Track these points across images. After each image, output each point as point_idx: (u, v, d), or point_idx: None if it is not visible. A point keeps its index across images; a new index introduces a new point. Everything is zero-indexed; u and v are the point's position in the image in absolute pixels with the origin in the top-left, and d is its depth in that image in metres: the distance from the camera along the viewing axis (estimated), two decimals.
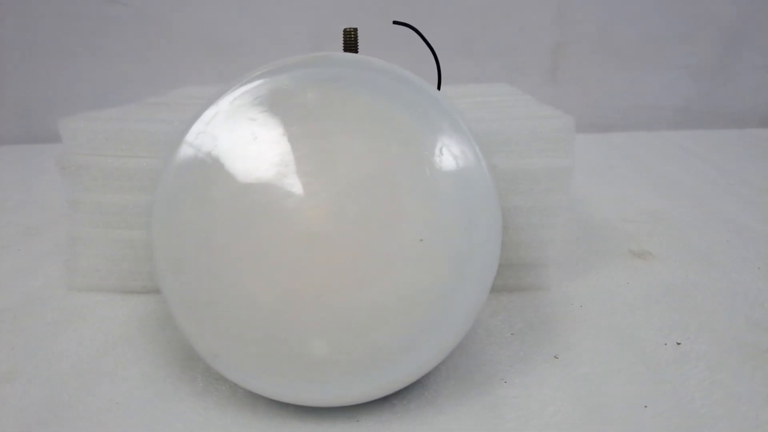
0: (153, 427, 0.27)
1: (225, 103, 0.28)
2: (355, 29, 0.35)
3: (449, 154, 0.26)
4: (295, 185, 0.26)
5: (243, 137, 0.27)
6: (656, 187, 0.64)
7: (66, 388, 0.30)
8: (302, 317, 0.25)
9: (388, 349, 0.25)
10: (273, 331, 0.25)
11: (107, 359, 0.33)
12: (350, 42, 0.35)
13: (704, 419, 0.27)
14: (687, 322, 0.35)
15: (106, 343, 0.34)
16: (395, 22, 0.36)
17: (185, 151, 0.27)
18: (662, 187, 0.63)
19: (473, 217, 0.26)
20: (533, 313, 0.37)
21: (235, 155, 0.27)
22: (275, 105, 0.27)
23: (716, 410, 0.27)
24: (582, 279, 0.42)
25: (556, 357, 0.32)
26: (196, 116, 0.28)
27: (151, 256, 0.27)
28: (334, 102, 0.27)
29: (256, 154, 0.27)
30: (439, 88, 0.35)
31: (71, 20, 0.90)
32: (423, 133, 0.27)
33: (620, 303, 0.38)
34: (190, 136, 0.27)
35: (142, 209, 0.39)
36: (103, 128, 0.38)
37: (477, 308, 0.26)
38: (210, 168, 0.27)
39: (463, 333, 0.26)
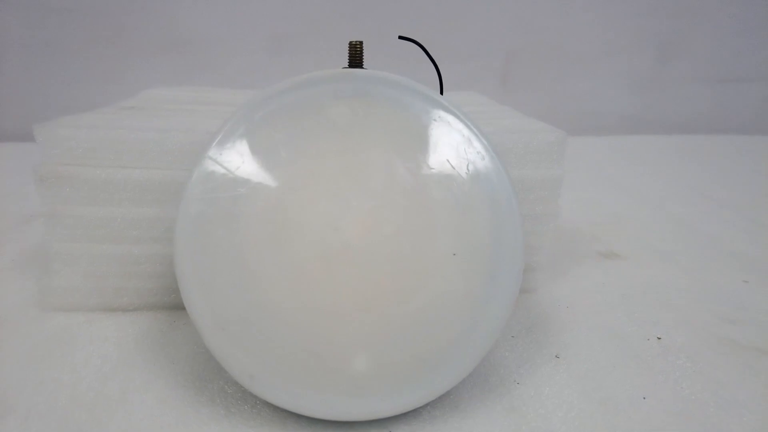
0: None
1: (250, 118, 0.27)
2: (361, 42, 0.35)
3: (476, 169, 0.28)
4: (329, 201, 0.26)
5: (272, 152, 0.27)
6: (612, 190, 0.69)
7: (73, 420, 0.28)
8: (340, 333, 0.26)
9: (426, 361, 0.26)
10: (311, 348, 0.25)
11: (111, 385, 0.31)
12: (355, 55, 0.35)
13: (694, 404, 0.30)
14: (662, 317, 0.39)
15: (105, 368, 0.32)
16: (401, 38, 0.36)
17: (210, 166, 0.26)
18: (617, 190, 0.69)
19: (500, 230, 0.27)
20: (527, 315, 0.39)
21: (266, 171, 0.26)
22: (304, 120, 0.27)
23: (702, 396, 0.31)
24: (562, 280, 0.45)
25: (557, 356, 0.35)
26: (220, 130, 0.27)
27: (175, 275, 0.26)
28: (363, 117, 0.28)
29: (287, 170, 0.26)
30: None
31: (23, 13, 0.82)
32: (451, 147, 0.28)
33: (600, 302, 0.42)
34: (215, 151, 0.27)
35: (131, 223, 0.37)
36: (87, 136, 0.35)
37: (506, 317, 0.28)
38: (240, 184, 0.26)
39: (493, 341, 0.28)
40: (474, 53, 0.92)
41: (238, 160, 0.26)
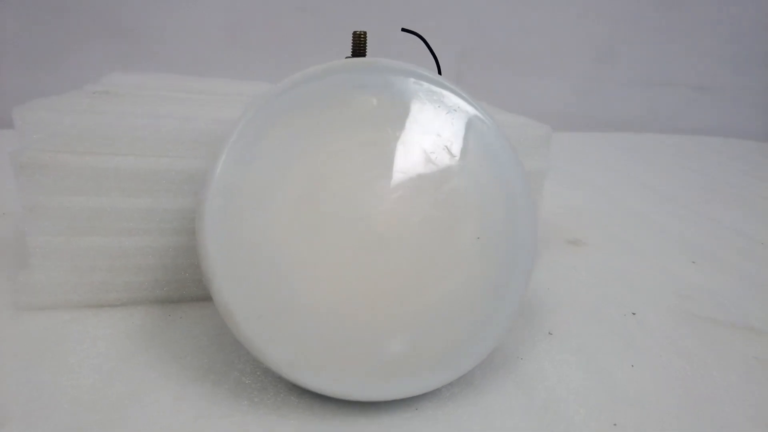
0: None
1: (273, 108, 0.27)
2: (365, 32, 0.36)
3: (494, 156, 0.29)
4: (357, 190, 0.27)
5: (299, 143, 0.27)
6: (565, 183, 0.74)
7: (85, 425, 0.26)
8: (375, 318, 0.26)
9: (453, 342, 0.28)
10: (345, 333, 0.26)
11: (117, 385, 0.29)
12: (359, 44, 0.36)
13: (672, 369, 0.34)
14: (631, 296, 0.43)
15: (106, 367, 0.31)
16: (404, 30, 0.37)
17: (236, 157, 0.26)
18: (570, 184, 0.74)
19: (516, 215, 0.29)
20: None
21: (297, 161, 0.26)
22: (330, 110, 0.27)
23: (677, 362, 0.35)
24: (539, 265, 0.48)
25: (550, 333, 0.37)
26: (241, 119, 0.27)
27: (201, 268, 0.26)
28: (387, 108, 0.28)
29: (315, 160, 0.26)
30: None
31: None
32: (471, 136, 0.29)
33: (576, 285, 0.45)
34: (240, 141, 0.26)
35: (121, 214, 0.35)
36: (74, 121, 0.33)
37: (522, 297, 0.29)
38: (269, 174, 0.26)
39: (513, 319, 0.29)
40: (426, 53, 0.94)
41: (266, 150, 0.26)
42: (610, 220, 0.61)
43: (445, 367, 0.28)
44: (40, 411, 0.27)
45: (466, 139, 0.29)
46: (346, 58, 0.34)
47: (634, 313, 0.40)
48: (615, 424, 0.29)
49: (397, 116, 0.28)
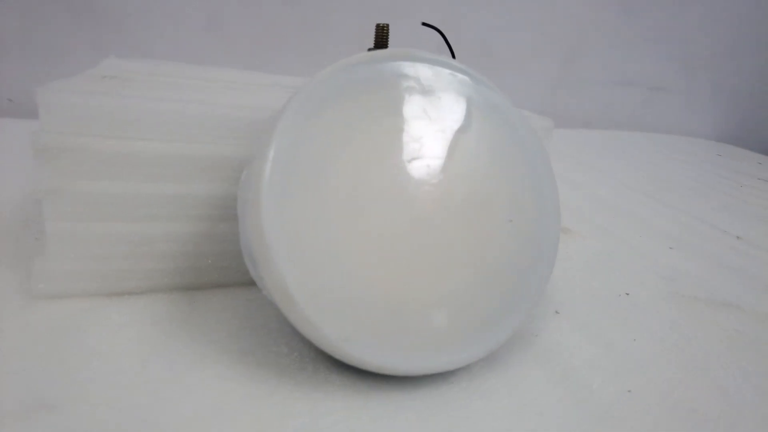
0: (267, 426, 0.26)
1: (319, 95, 0.28)
2: (387, 25, 0.37)
3: (522, 141, 0.31)
4: (404, 173, 0.28)
5: (348, 127, 0.28)
6: None
7: (132, 407, 0.26)
8: (421, 294, 0.28)
9: (489, 316, 0.29)
10: (393, 308, 0.27)
11: (156, 369, 0.29)
12: (382, 37, 0.37)
13: (668, 342, 0.37)
14: (621, 278, 0.47)
15: (138, 353, 0.30)
16: (424, 24, 0.38)
17: (291, 140, 0.27)
18: None
19: (544, 199, 0.31)
20: None
21: (346, 145, 0.27)
22: (375, 96, 0.29)
23: (672, 336, 0.38)
24: None
25: (557, 312, 0.40)
26: (290, 104, 0.28)
27: (249, 250, 0.26)
28: (431, 96, 0.30)
29: (366, 144, 0.28)
30: None
31: None
32: (502, 122, 0.31)
33: (570, 268, 0.48)
34: (293, 125, 0.27)
35: (144, 199, 0.34)
36: (97, 103, 0.32)
37: (549, 275, 0.32)
38: (323, 157, 0.27)
39: (539, 297, 0.32)
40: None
41: (317, 134, 0.27)
42: (588, 210, 0.65)
43: (480, 340, 0.29)
44: (81, 396, 0.27)
45: (496, 125, 0.31)
46: (369, 50, 0.35)
47: (627, 294, 0.44)
48: (629, 391, 0.31)
49: (433, 103, 0.30)
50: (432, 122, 0.29)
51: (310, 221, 0.26)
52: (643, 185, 0.80)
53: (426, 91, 0.30)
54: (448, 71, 0.31)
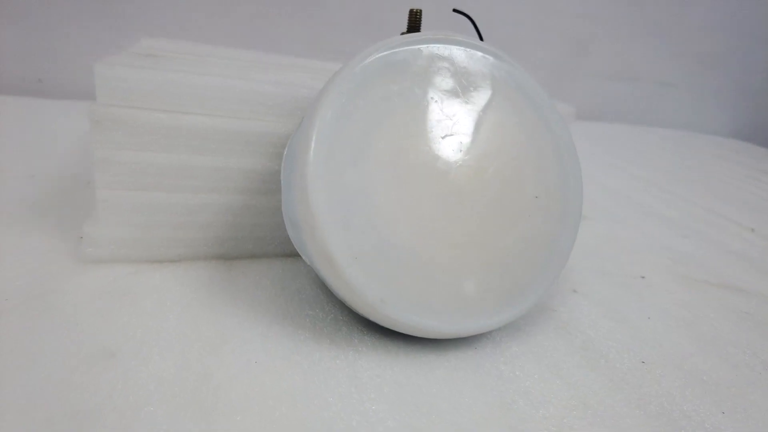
0: (311, 379, 0.28)
1: (360, 73, 0.30)
2: (420, 10, 0.39)
3: (547, 124, 0.33)
4: (444, 147, 0.30)
5: (390, 102, 0.29)
6: None
7: (189, 358, 0.28)
8: (454, 261, 0.30)
9: (519, 284, 0.31)
10: (431, 274, 0.29)
11: (203, 329, 0.31)
12: (415, 21, 0.39)
13: (682, 321, 0.39)
14: (635, 262, 0.48)
15: (184, 315, 0.32)
16: (455, 10, 0.40)
17: (337, 112, 0.28)
18: None
19: (568, 178, 0.33)
20: None
21: (388, 119, 0.29)
22: (414, 75, 0.30)
23: (685, 314, 0.40)
24: None
25: (575, 291, 0.42)
26: (335, 80, 0.29)
27: (295, 218, 0.28)
28: (465, 76, 0.31)
29: (405, 119, 0.29)
30: None
31: None
32: (529, 102, 0.33)
33: (586, 251, 0.50)
34: (339, 99, 0.29)
35: (189, 171, 0.36)
36: (150, 77, 0.34)
37: (570, 251, 0.33)
38: (366, 129, 0.29)
39: (561, 271, 0.33)
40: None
41: (362, 107, 0.29)
42: (602, 199, 0.66)
43: (504, 309, 0.31)
44: (137, 346, 0.29)
45: (525, 106, 0.32)
46: (401, 34, 0.37)
47: (643, 277, 0.45)
48: (643, 362, 0.33)
49: (470, 84, 0.31)
50: (464, 101, 0.31)
51: (351, 190, 0.28)
52: (656, 178, 0.81)
53: (459, 72, 0.31)
54: (479, 54, 0.33)
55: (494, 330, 0.34)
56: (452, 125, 0.30)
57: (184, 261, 0.38)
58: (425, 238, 0.29)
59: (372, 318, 0.30)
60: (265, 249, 0.40)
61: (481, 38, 0.41)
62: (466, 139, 0.30)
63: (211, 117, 0.36)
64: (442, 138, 0.30)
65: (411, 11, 0.39)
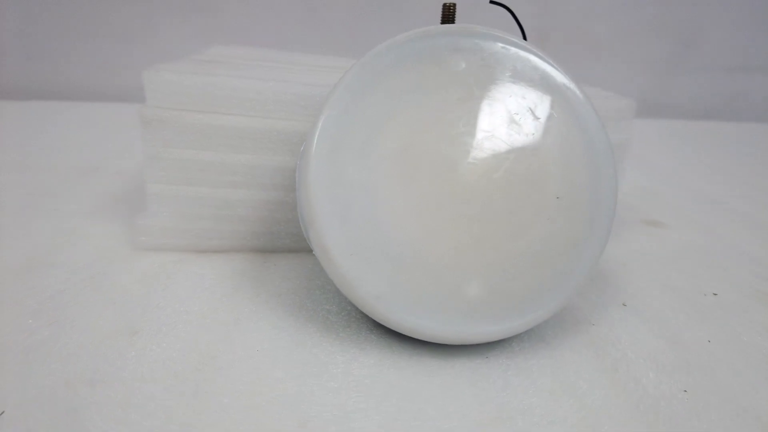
0: (307, 370, 0.29)
1: (373, 68, 0.29)
2: (454, 4, 0.37)
3: (579, 122, 0.30)
4: (450, 143, 0.29)
5: (399, 98, 0.29)
6: (642, 168, 0.72)
7: (200, 342, 0.30)
8: (459, 262, 0.28)
9: (533, 291, 0.29)
10: (432, 274, 0.28)
11: (222, 314, 0.33)
12: (448, 17, 0.37)
13: (753, 347, 0.33)
14: (710, 276, 0.42)
15: (210, 300, 0.35)
16: (492, 2, 0.38)
17: (343, 107, 0.29)
18: (646, 168, 0.72)
19: (598, 178, 0.30)
20: None
21: (395, 115, 0.29)
22: (426, 69, 0.30)
23: (759, 341, 0.34)
24: (614, 242, 0.48)
25: (624, 304, 0.38)
26: (345, 76, 0.30)
27: (302, 212, 0.29)
28: (478, 68, 0.30)
29: (413, 114, 0.29)
30: None
31: None
32: (556, 97, 0.30)
33: (653, 261, 0.45)
34: (346, 94, 0.29)
35: (228, 168, 0.39)
36: (192, 82, 0.37)
37: (598, 259, 0.30)
38: (371, 126, 0.28)
39: (588, 277, 0.30)
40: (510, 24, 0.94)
41: (368, 103, 0.29)
42: (687, 204, 0.59)
43: (516, 315, 0.29)
44: (159, 326, 0.32)
45: (550, 102, 0.30)
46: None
47: (715, 294, 0.40)
48: (685, 391, 0.29)
49: (485, 78, 0.30)
50: (479, 96, 0.29)
51: (354, 185, 0.28)
52: (753, 180, 0.70)
53: (482, 66, 0.30)
54: (499, 45, 0.31)
55: (511, 339, 0.32)
56: (468, 121, 0.29)
57: (224, 252, 0.41)
58: (427, 237, 0.28)
59: (369, 314, 0.29)
60: (300, 244, 0.41)
61: (522, 32, 0.38)
62: (481, 135, 0.29)
63: (247, 117, 0.38)
64: (455, 134, 0.29)
65: (444, 5, 0.38)
